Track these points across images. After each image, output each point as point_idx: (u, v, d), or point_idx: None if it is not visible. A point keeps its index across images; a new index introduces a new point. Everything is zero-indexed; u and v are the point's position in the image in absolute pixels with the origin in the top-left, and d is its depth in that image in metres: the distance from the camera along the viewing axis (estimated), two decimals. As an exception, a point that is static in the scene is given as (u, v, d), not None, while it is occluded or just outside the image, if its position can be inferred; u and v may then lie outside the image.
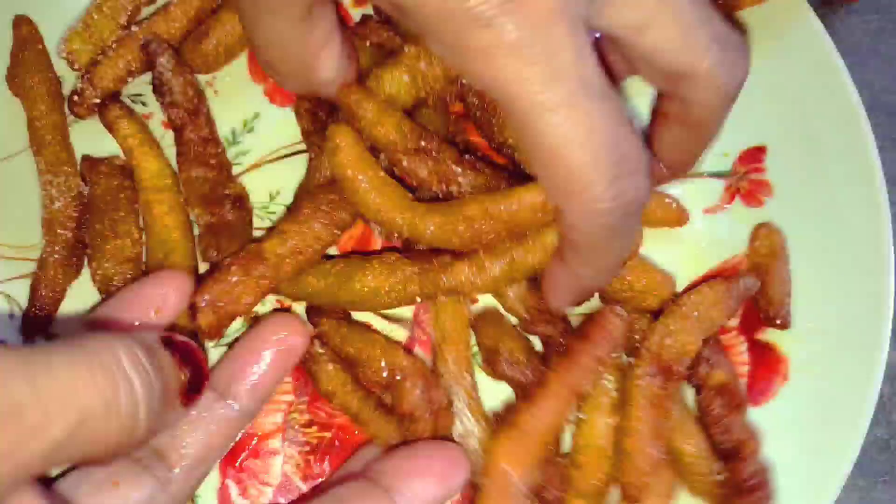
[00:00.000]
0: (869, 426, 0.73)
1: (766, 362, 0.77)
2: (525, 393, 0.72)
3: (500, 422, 0.71)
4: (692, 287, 0.78)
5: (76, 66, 0.81)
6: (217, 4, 0.83)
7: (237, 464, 0.75)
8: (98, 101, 0.80)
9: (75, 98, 0.80)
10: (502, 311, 0.77)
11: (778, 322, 0.76)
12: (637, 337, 0.74)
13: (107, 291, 0.76)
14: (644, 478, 0.68)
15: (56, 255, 0.76)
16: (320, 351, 0.74)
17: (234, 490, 0.74)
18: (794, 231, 0.79)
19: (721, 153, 0.83)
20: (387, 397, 0.74)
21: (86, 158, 0.80)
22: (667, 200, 0.79)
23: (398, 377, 0.72)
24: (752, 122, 0.83)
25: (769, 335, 0.78)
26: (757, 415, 0.74)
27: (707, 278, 0.79)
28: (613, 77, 0.71)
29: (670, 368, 0.70)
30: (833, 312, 0.77)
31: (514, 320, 0.77)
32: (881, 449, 0.82)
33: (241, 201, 0.79)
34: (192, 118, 0.79)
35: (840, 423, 0.73)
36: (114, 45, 0.80)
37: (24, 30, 0.82)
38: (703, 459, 0.70)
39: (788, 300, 0.77)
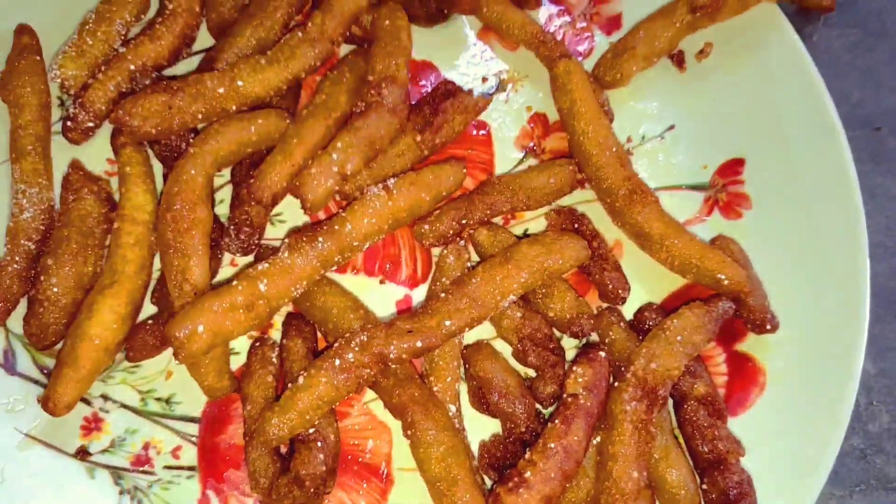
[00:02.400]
0: (845, 436, 0.73)
1: (744, 373, 0.77)
2: (513, 427, 0.72)
3: (508, 478, 0.67)
4: (672, 298, 0.80)
5: (71, 92, 0.81)
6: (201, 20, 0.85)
7: (218, 474, 0.75)
8: (91, 124, 0.80)
9: (69, 124, 0.80)
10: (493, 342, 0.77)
11: (768, 327, 0.76)
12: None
13: (49, 307, 0.74)
14: (628, 502, 0.67)
15: (15, 266, 0.76)
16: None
17: (214, 501, 0.74)
18: (771, 243, 0.80)
19: (700, 165, 0.84)
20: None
21: (80, 167, 0.79)
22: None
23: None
24: (730, 135, 0.85)
25: (747, 346, 0.78)
26: (734, 425, 0.75)
27: (686, 290, 0.80)
28: None
29: (655, 392, 0.70)
30: (810, 323, 0.77)
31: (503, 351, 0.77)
32: (857, 459, 0.83)
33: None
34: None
35: (816, 433, 0.74)
36: (102, 68, 0.80)
37: (25, 39, 0.82)
38: (685, 489, 0.70)
39: (768, 302, 0.77)
